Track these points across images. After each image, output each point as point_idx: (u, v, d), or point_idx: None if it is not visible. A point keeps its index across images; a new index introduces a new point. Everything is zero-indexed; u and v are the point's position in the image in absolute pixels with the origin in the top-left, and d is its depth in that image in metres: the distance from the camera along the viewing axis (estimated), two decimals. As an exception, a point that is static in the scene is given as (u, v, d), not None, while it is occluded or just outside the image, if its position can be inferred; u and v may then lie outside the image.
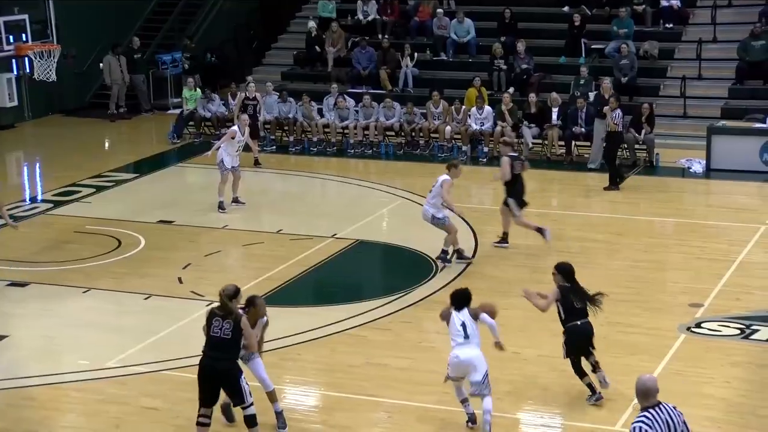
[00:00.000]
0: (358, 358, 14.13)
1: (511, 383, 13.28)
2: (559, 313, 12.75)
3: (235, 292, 11.45)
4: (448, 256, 17.45)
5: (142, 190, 22.76)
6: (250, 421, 11.63)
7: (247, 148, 21.25)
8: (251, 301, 12.00)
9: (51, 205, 21.55)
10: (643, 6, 27.74)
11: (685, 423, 8.77)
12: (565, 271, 12.90)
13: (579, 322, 12.70)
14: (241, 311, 11.55)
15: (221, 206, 20.45)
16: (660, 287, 16.73)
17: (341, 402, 13.01)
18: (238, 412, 11.92)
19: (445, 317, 12.41)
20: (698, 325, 14.92)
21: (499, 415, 12.50)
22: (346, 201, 21.95)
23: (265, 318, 12.06)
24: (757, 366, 13.70)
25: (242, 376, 11.48)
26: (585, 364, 12.81)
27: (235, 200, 20.77)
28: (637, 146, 23.50)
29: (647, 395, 8.69)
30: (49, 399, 13.26)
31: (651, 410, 8.65)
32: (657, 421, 8.60)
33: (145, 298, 16.27)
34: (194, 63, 30.10)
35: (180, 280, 16.94)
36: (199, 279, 17.02)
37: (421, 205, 20.52)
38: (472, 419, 12.29)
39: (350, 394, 13.18)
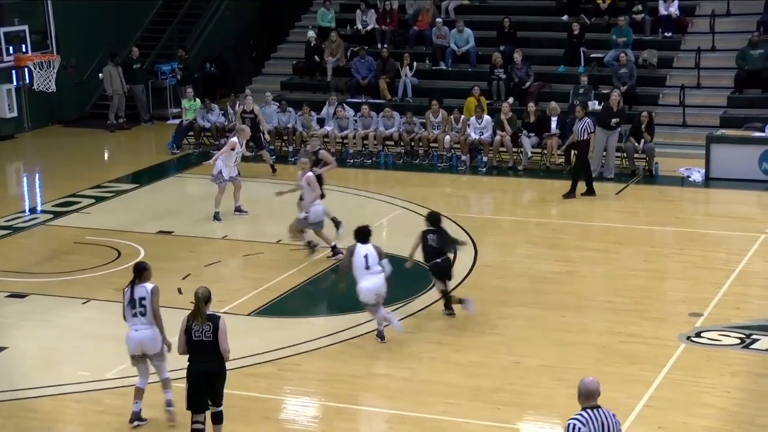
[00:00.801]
0: (358, 369, 14.13)
1: (512, 393, 13.28)
2: (423, 254, 15.52)
3: (210, 296, 11.66)
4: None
5: (141, 201, 22.76)
6: (221, 418, 11.84)
7: (257, 158, 21.19)
8: (143, 267, 12.60)
9: (51, 215, 21.55)
10: (642, 15, 27.76)
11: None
12: (430, 218, 15.70)
13: (439, 260, 15.45)
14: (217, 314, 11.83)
15: (216, 216, 20.50)
16: (660, 296, 16.72)
17: (342, 412, 13.01)
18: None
19: (350, 251, 14.65)
20: (698, 335, 14.91)
21: (499, 425, 12.53)
22: (346, 211, 21.89)
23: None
24: (756, 375, 13.70)
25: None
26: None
27: (238, 209, 20.81)
28: (636, 155, 23.51)
29: (588, 397, 9.09)
30: (50, 410, 13.26)
31: (589, 410, 9.02)
32: (592, 421, 8.94)
33: (145, 309, 16.25)
34: (188, 73, 30.08)
35: (180, 291, 16.90)
36: (199, 289, 17.00)
37: (420, 214, 20.62)
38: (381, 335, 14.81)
39: (351, 405, 13.19)
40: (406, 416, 12.79)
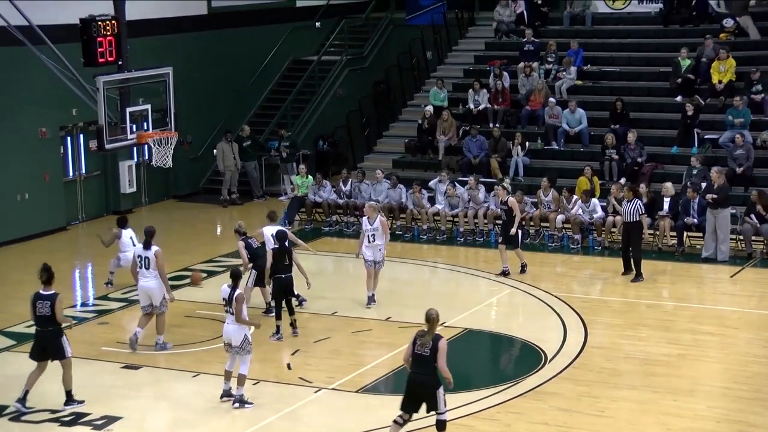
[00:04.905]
0: (465, 449, 13.99)
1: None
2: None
3: (437, 316, 13.39)
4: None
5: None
6: (442, 426, 13.31)
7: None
8: (239, 275, 15.62)
9: (164, 289, 21.84)
10: (762, 95, 27.25)
11: None
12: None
13: (283, 276, 18.13)
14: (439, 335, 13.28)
15: (370, 300, 20.23)
16: (782, 385, 16.19)
17: (448, 493, 12.87)
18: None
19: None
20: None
21: None
22: (455, 289, 21.90)
23: None
24: None
25: (440, 388, 13.20)
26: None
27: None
28: (754, 238, 23.05)
29: None
30: (158, 482, 13.38)
31: None
32: None
33: (254, 384, 16.31)
34: (293, 150, 30.47)
35: (289, 366, 17.00)
36: (307, 365, 17.08)
37: (532, 294, 20.48)
38: None
39: (457, 486, 13.05)
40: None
